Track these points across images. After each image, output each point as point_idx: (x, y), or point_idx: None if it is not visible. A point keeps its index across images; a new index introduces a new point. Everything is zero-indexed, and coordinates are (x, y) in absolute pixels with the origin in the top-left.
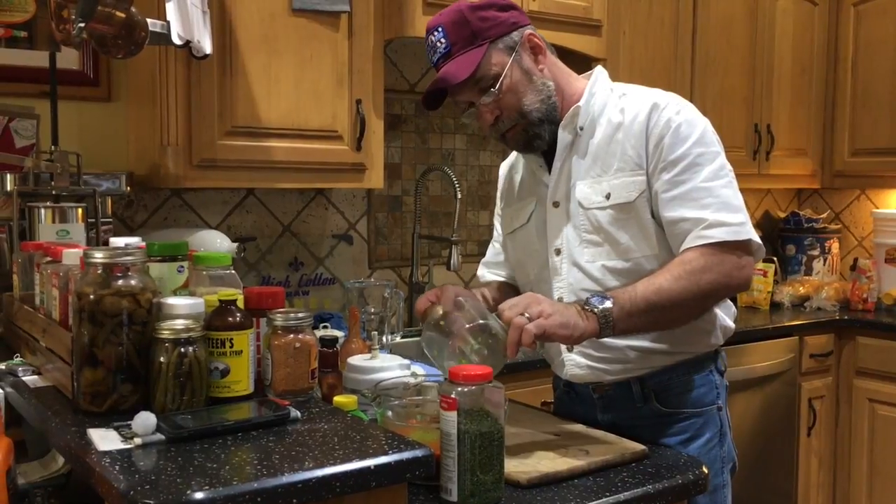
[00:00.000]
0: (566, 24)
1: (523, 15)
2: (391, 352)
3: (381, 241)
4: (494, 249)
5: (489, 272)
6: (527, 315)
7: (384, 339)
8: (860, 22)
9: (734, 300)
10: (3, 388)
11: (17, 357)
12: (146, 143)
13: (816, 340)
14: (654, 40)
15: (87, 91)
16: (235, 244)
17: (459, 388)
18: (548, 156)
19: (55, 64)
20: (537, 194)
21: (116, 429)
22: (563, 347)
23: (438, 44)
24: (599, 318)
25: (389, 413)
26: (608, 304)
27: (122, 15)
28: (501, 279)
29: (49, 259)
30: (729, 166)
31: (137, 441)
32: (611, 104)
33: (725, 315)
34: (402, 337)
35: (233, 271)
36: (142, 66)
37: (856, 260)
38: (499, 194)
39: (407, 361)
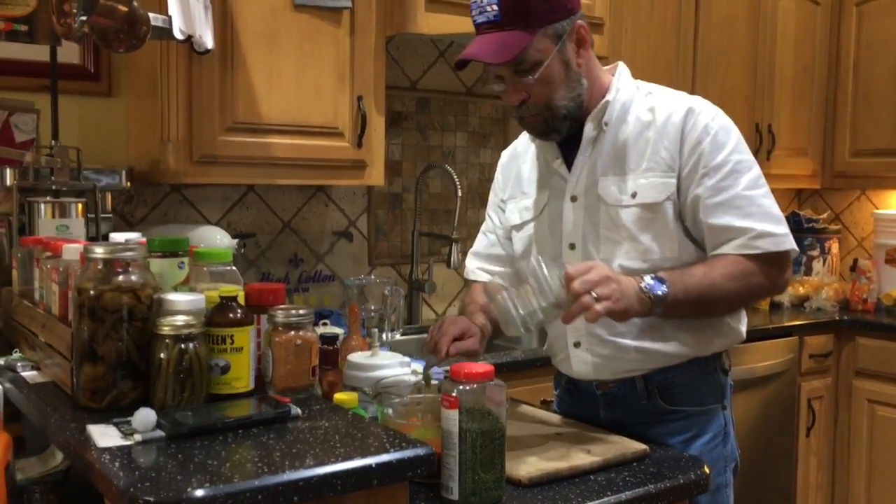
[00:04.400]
0: None
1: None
2: (391, 349)
3: (382, 239)
4: (487, 240)
5: (480, 266)
6: (594, 294)
7: (384, 336)
8: (862, 22)
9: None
10: (2, 384)
11: (16, 352)
12: (146, 139)
13: (816, 341)
14: (655, 39)
15: (87, 86)
16: (235, 240)
17: (461, 387)
18: (563, 147)
19: (56, 58)
20: (551, 187)
21: (116, 425)
22: (570, 344)
23: (489, 7)
24: (654, 304)
25: (390, 411)
26: (664, 290)
27: (125, 9)
28: (492, 277)
29: (49, 254)
30: (761, 174)
31: (137, 437)
32: (637, 101)
33: (736, 321)
34: (403, 334)
35: (233, 268)
36: (143, 61)
37: (856, 260)
38: (498, 185)
39: (407, 359)
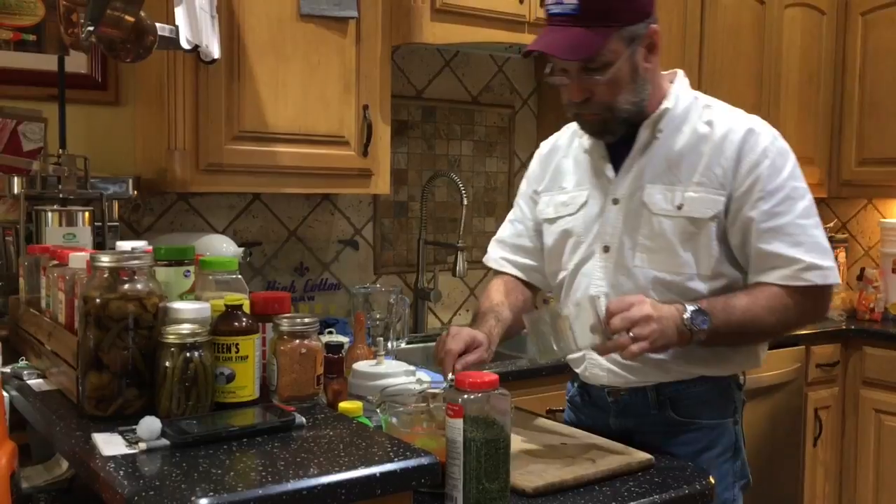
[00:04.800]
0: None
1: (655, 1)
2: (396, 358)
3: (387, 247)
4: (514, 230)
5: (503, 256)
6: (632, 334)
7: (389, 345)
8: (868, 31)
9: None
10: (7, 392)
11: (22, 360)
12: (153, 148)
13: (823, 350)
14: (661, 47)
15: (95, 95)
16: (241, 249)
17: (465, 396)
18: (611, 148)
19: (64, 67)
20: (594, 186)
21: (121, 433)
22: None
23: (567, 0)
24: (694, 337)
25: (394, 419)
26: (707, 326)
27: (132, 19)
28: (515, 273)
29: (55, 262)
30: (814, 203)
31: (142, 446)
32: (694, 113)
33: (760, 348)
34: (408, 343)
35: (239, 276)
36: (150, 71)
37: (863, 269)
38: (533, 175)
39: (412, 368)
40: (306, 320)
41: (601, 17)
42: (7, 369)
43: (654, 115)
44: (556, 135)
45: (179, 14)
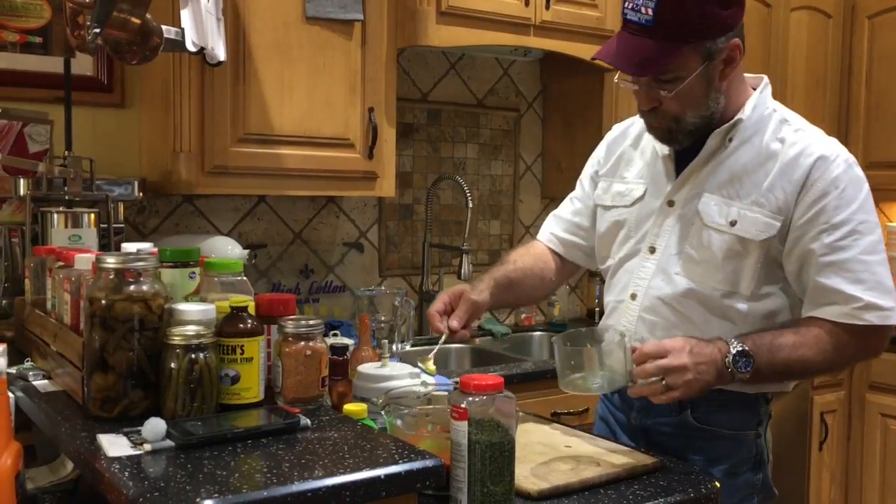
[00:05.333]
0: (579, 35)
1: (742, 11)
2: (401, 360)
3: (392, 250)
4: (573, 207)
5: (554, 232)
6: (665, 383)
7: (394, 347)
8: (874, 34)
9: None
10: (13, 393)
11: (27, 361)
12: (159, 150)
13: None
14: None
15: (100, 97)
16: (246, 251)
17: (470, 398)
18: (680, 151)
19: (70, 70)
20: (653, 183)
21: (126, 435)
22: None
23: (643, 9)
24: (735, 379)
25: (399, 422)
26: (749, 368)
27: (138, 21)
28: (556, 249)
29: (61, 264)
30: (883, 241)
31: (147, 447)
32: (770, 127)
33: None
34: (413, 345)
35: (244, 278)
36: (155, 73)
37: None
38: (599, 157)
39: (417, 370)
40: (311, 322)
41: (676, 31)
42: (12, 370)
43: (726, 125)
44: (629, 120)
45: (185, 16)
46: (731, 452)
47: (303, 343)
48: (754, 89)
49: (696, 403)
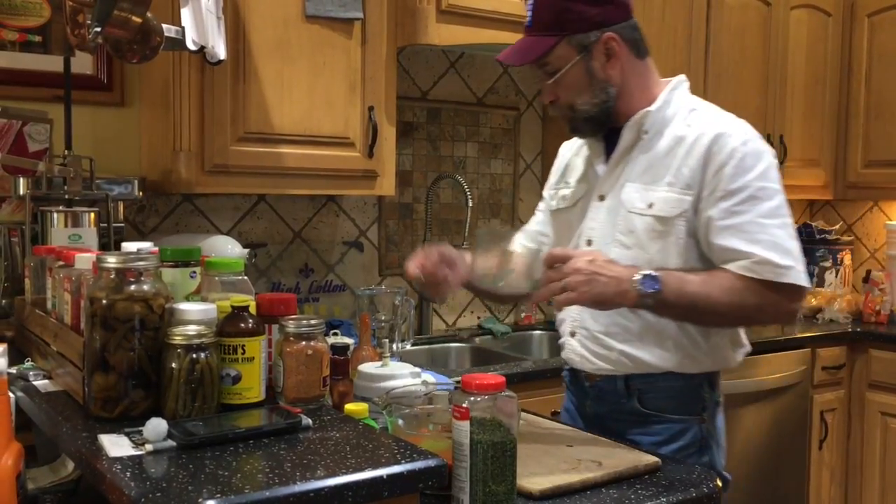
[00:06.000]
0: None
1: (622, 10)
2: (402, 359)
3: (392, 249)
4: (537, 218)
5: (523, 243)
6: (563, 284)
7: (395, 346)
8: (874, 33)
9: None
10: (13, 393)
11: (28, 361)
12: (159, 149)
13: (829, 353)
14: (666, 49)
15: (100, 96)
16: (247, 250)
17: (472, 398)
18: (609, 148)
19: (69, 68)
20: (588, 183)
21: (127, 435)
22: (567, 332)
23: (528, 12)
24: (639, 301)
25: (400, 421)
26: (655, 289)
27: (138, 20)
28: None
29: (61, 263)
30: (787, 208)
31: (148, 447)
32: (680, 116)
33: (731, 350)
34: (413, 345)
35: (245, 277)
36: (155, 72)
37: (868, 272)
38: (555, 170)
39: (418, 369)
40: (312, 322)
41: (548, 26)
42: (13, 370)
43: (635, 117)
44: None
45: (185, 15)
46: (677, 437)
47: (304, 343)
48: (666, 88)
49: (643, 390)
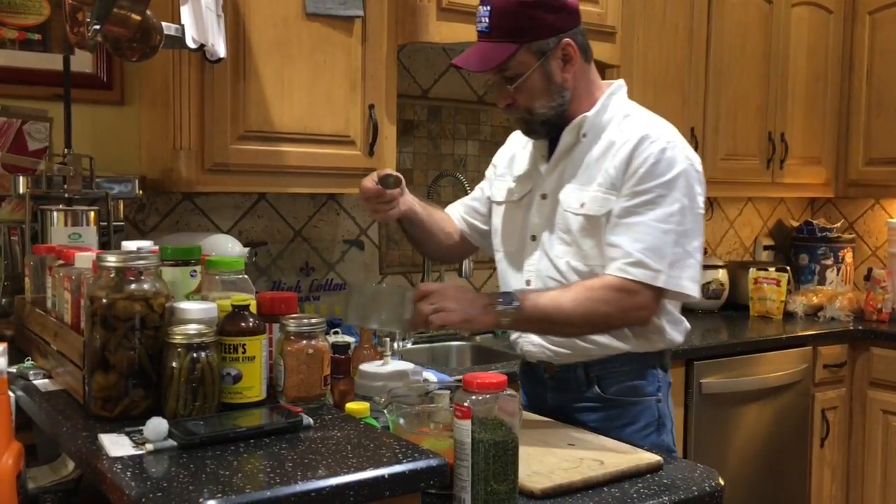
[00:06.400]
0: None
1: (574, 17)
2: (402, 358)
3: (393, 247)
4: (474, 195)
5: (457, 212)
6: (434, 307)
7: (395, 345)
8: (875, 30)
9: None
10: (13, 392)
11: (28, 360)
12: (159, 147)
13: (830, 351)
14: (667, 47)
15: (100, 94)
16: (247, 249)
17: (474, 397)
18: (553, 149)
19: (69, 67)
20: (533, 180)
21: (128, 434)
22: None
23: (483, 20)
24: (500, 318)
25: (402, 420)
26: (512, 307)
27: (138, 18)
28: (461, 227)
29: (61, 262)
30: (688, 219)
31: (149, 447)
32: (615, 121)
33: (672, 329)
34: (414, 343)
35: (245, 276)
36: (155, 70)
37: (870, 270)
38: (500, 157)
39: (419, 368)
40: (313, 321)
41: (508, 34)
42: (13, 369)
43: (574, 121)
44: None
45: (185, 13)
46: (637, 417)
47: (305, 342)
48: (605, 94)
49: (601, 377)
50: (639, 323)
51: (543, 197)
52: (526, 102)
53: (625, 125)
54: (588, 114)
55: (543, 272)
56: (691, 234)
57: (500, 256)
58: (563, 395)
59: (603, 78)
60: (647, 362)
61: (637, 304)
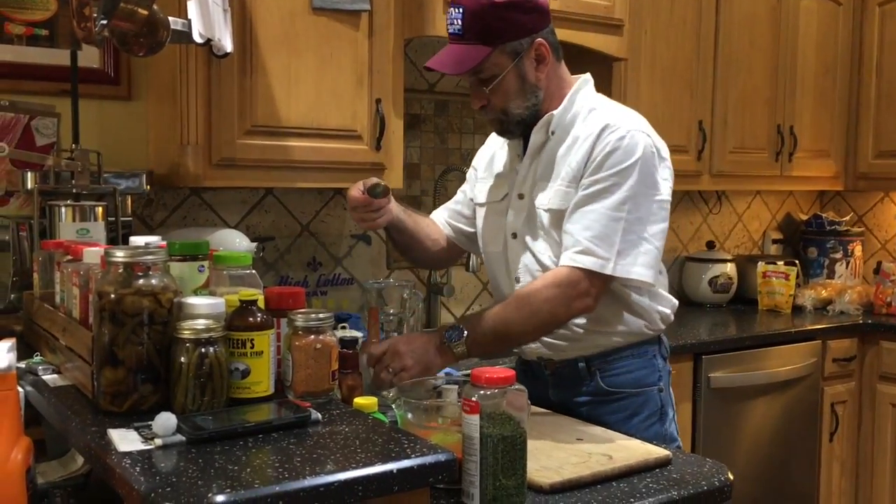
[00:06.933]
0: (587, 24)
1: (546, 17)
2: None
3: None
4: (457, 198)
5: (442, 218)
6: (391, 370)
7: None
8: (885, 22)
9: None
10: (23, 387)
11: (37, 356)
12: (166, 142)
13: (839, 344)
14: (675, 40)
15: (107, 90)
16: (254, 244)
17: (482, 392)
18: (524, 147)
19: (76, 62)
20: (510, 181)
21: (137, 429)
22: None
23: (455, 21)
24: (456, 354)
25: (410, 415)
26: (462, 340)
27: (145, 12)
28: (447, 232)
29: (69, 258)
30: (646, 206)
31: (158, 442)
32: (581, 117)
33: (660, 305)
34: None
35: (253, 271)
36: (162, 65)
37: (879, 263)
38: (480, 158)
39: None
40: (321, 316)
41: (481, 36)
42: (22, 364)
43: (543, 119)
44: None
45: (192, 8)
46: (640, 408)
47: (313, 336)
48: (571, 90)
49: (603, 369)
50: (584, 311)
51: (521, 196)
52: (501, 103)
53: (589, 119)
54: (555, 112)
55: (531, 267)
56: (646, 220)
57: (486, 258)
58: (564, 391)
59: (611, 71)
60: (646, 352)
61: (579, 292)
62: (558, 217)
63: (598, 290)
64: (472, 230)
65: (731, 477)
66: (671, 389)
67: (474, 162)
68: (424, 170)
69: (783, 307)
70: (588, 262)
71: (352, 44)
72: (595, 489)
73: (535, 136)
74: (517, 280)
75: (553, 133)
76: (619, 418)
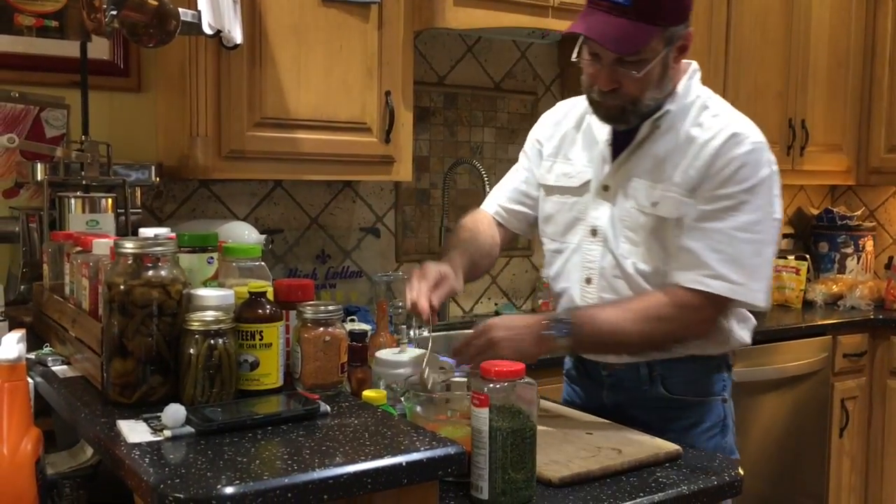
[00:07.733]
0: None
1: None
2: (419, 346)
3: (409, 235)
4: (520, 177)
5: (501, 203)
6: (486, 341)
7: (412, 333)
8: None
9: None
10: (32, 378)
11: (46, 347)
12: (175, 134)
13: (850, 340)
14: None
15: (117, 81)
16: (263, 236)
17: (491, 385)
18: (616, 135)
19: (86, 54)
20: (594, 168)
21: (146, 420)
22: None
23: None
24: (556, 347)
25: (419, 408)
26: (565, 332)
27: (155, 3)
28: (500, 221)
29: (79, 249)
30: (769, 226)
31: (167, 433)
32: (692, 113)
33: (742, 329)
34: (430, 331)
35: (262, 263)
36: (172, 57)
37: (891, 258)
38: (544, 132)
39: (435, 355)
40: (330, 308)
41: (650, 15)
42: (31, 356)
43: (658, 113)
44: (571, 101)
45: None
46: (701, 418)
47: (322, 329)
48: (682, 79)
49: (666, 375)
50: (699, 336)
51: (605, 189)
52: (636, 91)
53: (705, 119)
54: (671, 107)
55: (608, 271)
56: (769, 242)
57: (554, 247)
58: (621, 394)
59: None
60: (712, 361)
61: (701, 317)
62: (664, 225)
63: (720, 314)
64: (535, 214)
65: (742, 472)
66: (731, 400)
67: (538, 136)
68: (434, 163)
69: (793, 302)
70: (719, 287)
71: (361, 36)
72: (604, 483)
73: (645, 129)
74: (588, 281)
75: (658, 127)
76: (678, 427)
